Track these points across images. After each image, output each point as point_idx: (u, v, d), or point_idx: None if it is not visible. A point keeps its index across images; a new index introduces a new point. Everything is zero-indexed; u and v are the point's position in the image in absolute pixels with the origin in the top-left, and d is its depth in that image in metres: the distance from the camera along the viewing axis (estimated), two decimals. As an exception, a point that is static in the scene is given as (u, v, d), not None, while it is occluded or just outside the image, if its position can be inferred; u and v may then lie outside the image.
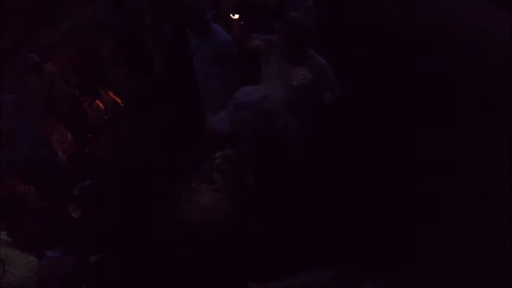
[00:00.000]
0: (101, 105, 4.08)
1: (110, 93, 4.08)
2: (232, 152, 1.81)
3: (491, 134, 2.62)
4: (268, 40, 2.23)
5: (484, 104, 2.80)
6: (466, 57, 3.12)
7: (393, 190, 2.48)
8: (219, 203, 2.85)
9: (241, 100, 1.51)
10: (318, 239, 2.26)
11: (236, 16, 2.36)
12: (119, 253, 2.66)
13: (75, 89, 3.62)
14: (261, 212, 2.37)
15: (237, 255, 2.40)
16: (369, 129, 2.86)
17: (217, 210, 2.80)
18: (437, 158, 2.60)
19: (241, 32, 2.35)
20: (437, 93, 2.98)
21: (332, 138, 2.71)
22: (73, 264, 2.11)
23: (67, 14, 5.70)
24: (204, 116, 3.26)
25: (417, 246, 2.17)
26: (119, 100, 4.10)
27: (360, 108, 2.91)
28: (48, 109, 3.52)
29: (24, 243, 2.06)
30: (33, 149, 2.77)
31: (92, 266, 2.58)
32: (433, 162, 2.58)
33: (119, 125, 3.93)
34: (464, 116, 2.79)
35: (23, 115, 2.81)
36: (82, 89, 3.75)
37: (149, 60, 3.90)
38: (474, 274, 1.96)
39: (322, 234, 2.29)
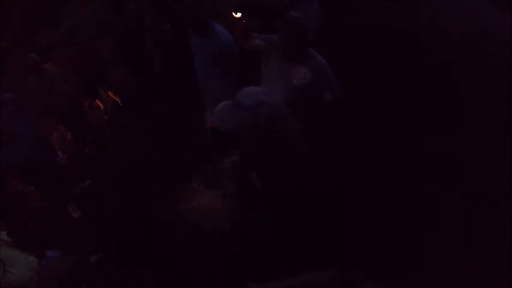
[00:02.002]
0: (101, 105, 4.08)
1: (110, 93, 4.07)
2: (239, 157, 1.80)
3: (491, 134, 2.62)
4: (268, 40, 2.24)
5: (484, 104, 2.80)
6: (466, 57, 3.12)
7: (393, 190, 2.48)
8: (219, 203, 2.84)
9: (239, 101, 1.51)
10: (318, 239, 2.26)
11: (237, 15, 2.36)
12: (119, 253, 2.66)
13: (75, 89, 3.62)
14: (261, 212, 2.37)
15: (237, 255, 2.40)
16: (369, 129, 2.86)
17: (217, 210, 2.80)
18: (437, 158, 2.60)
19: (242, 31, 2.35)
20: (437, 93, 2.98)
21: (332, 138, 2.71)
22: (73, 264, 2.11)
23: (67, 14, 5.70)
24: (204, 116, 3.26)
25: (417, 246, 2.17)
26: (118, 100, 4.10)
27: (360, 108, 2.91)
28: (48, 109, 3.51)
29: (24, 243, 2.06)
30: (33, 149, 2.77)
31: (92, 266, 2.58)
32: (433, 162, 2.58)
33: (118, 125, 3.92)
34: (464, 116, 2.78)
35: (23, 115, 2.81)
36: (82, 89, 3.75)
37: (149, 60, 3.91)
38: (474, 274, 1.96)
39: (322, 234, 2.29)
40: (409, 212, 2.31)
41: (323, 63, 2.16)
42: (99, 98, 4.06)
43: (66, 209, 3.11)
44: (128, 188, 3.13)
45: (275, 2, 2.91)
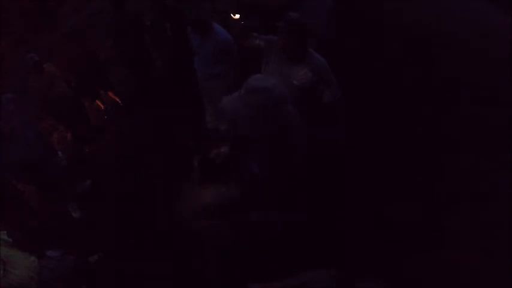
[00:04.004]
0: (101, 105, 4.08)
1: (110, 93, 4.07)
2: (228, 149, 1.82)
3: (490, 134, 2.62)
4: (268, 40, 2.24)
5: (483, 104, 2.80)
6: (466, 57, 3.12)
7: (394, 190, 2.48)
8: (219, 203, 2.84)
9: (254, 85, 1.52)
10: (318, 239, 2.27)
11: (235, 17, 2.37)
12: (119, 253, 2.66)
13: (75, 89, 3.62)
14: (261, 212, 2.37)
15: (237, 255, 2.40)
16: (369, 129, 2.86)
17: (217, 210, 2.80)
18: (437, 158, 2.60)
19: (241, 31, 2.36)
20: (436, 93, 2.99)
21: (332, 137, 2.71)
22: (73, 264, 2.11)
23: (67, 14, 5.70)
24: (204, 116, 3.27)
25: (418, 246, 2.17)
26: (118, 100, 4.10)
27: (360, 109, 2.91)
28: (48, 109, 3.52)
29: (24, 243, 2.06)
30: (33, 149, 2.77)
31: (92, 266, 2.58)
32: (433, 162, 2.58)
33: (118, 125, 3.93)
34: (464, 117, 2.79)
35: (23, 115, 2.81)
36: (82, 89, 3.75)
37: (149, 60, 3.91)
38: (474, 274, 1.97)
39: (322, 234, 2.30)
40: (409, 212, 2.31)
41: (323, 62, 2.16)
42: (99, 98, 4.06)
43: (66, 209, 3.11)
44: (128, 188, 3.13)
45: (275, 3, 2.91)
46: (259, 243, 2.35)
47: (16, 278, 1.77)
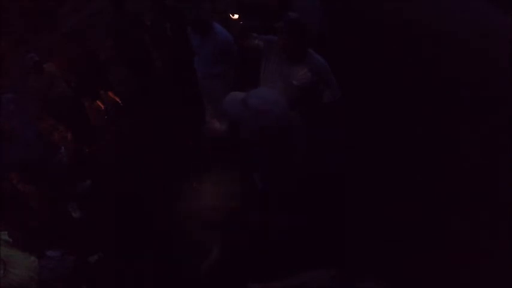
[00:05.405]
0: (101, 105, 4.08)
1: (110, 93, 4.08)
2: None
3: (490, 134, 2.62)
4: (268, 40, 2.24)
5: (483, 104, 2.80)
6: (466, 57, 3.12)
7: (394, 190, 2.48)
8: (219, 203, 2.84)
9: (248, 102, 1.52)
10: (318, 239, 2.27)
11: (234, 17, 2.37)
12: (119, 253, 2.66)
13: (75, 89, 3.62)
14: (261, 212, 2.37)
15: (237, 255, 2.40)
16: (369, 128, 2.86)
17: (217, 210, 2.80)
18: (437, 158, 2.60)
19: (241, 32, 2.36)
20: (436, 93, 2.99)
21: (332, 137, 2.71)
22: (73, 264, 2.11)
23: (67, 14, 5.70)
24: (204, 116, 3.27)
25: (418, 247, 2.17)
26: (118, 100, 4.10)
27: (360, 109, 2.91)
28: (48, 109, 3.52)
29: (24, 243, 2.06)
30: (33, 148, 2.77)
31: (92, 266, 2.58)
32: (433, 162, 2.58)
33: (118, 125, 3.93)
34: (464, 117, 2.79)
35: (23, 115, 2.81)
36: (82, 89, 3.75)
37: (149, 60, 3.91)
38: (474, 274, 1.97)
39: (322, 234, 2.30)
40: (409, 212, 2.31)
41: (323, 63, 2.16)
42: (99, 98, 4.06)
43: (66, 209, 3.11)
44: (128, 188, 3.13)
45: (275, 3, 2.91)
46: (259, 243, 2.35)
47: (16, 278, 1.77)
